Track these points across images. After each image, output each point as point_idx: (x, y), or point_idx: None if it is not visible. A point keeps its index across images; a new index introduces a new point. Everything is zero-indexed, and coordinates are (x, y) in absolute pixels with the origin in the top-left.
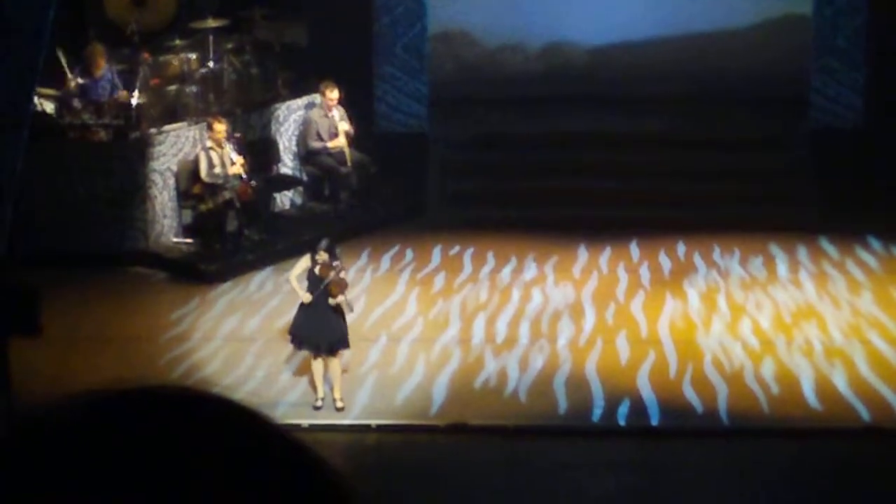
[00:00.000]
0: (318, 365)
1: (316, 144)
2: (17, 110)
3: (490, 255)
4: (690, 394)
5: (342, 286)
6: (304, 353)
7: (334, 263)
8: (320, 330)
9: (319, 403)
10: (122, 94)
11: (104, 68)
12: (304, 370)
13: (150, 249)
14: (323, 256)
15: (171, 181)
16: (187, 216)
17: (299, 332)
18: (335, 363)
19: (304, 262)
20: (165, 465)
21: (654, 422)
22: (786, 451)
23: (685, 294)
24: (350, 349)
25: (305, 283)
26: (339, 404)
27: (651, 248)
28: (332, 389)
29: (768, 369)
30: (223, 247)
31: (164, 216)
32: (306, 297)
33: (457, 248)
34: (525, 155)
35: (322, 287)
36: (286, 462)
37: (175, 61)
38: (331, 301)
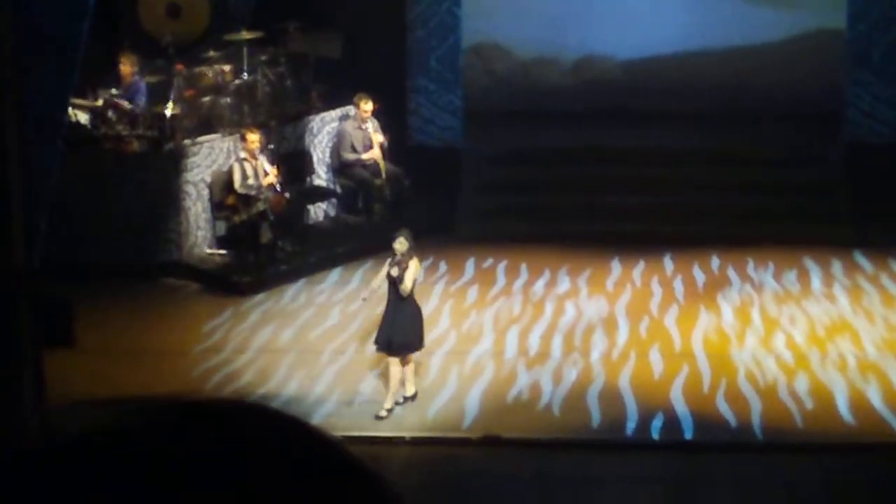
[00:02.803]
0: (393, 367)
1: (350, 156)
2: (53, 121)
3: (523, 268)
4: (724, 408)
5: (402, 267)
6: (339, 364)
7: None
8: (392, 331)
9: (384, 413)
10: (146, 110)
11: (133, 78)
12: (338, 382)
13: (184, 261)
14: (402, 245)
15: (205, 192)
16: (221, 227)
17: (379, 333)
18: (401, 367)
19: (384, 269)
20: (221, 476)
21: (688, 436)
22: (819, 466)
23: (719, 308)
24: (415, 351)
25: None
26: (400, 400)
27: (685, 262)
28: (401, 386)
29: (802, 384)
30: (256, 258)
31: (198, 227)
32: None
33: (490, 261)
34: (558, 168)
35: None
36: (339, 473)
37: (209, 73)
38: (402, 288)
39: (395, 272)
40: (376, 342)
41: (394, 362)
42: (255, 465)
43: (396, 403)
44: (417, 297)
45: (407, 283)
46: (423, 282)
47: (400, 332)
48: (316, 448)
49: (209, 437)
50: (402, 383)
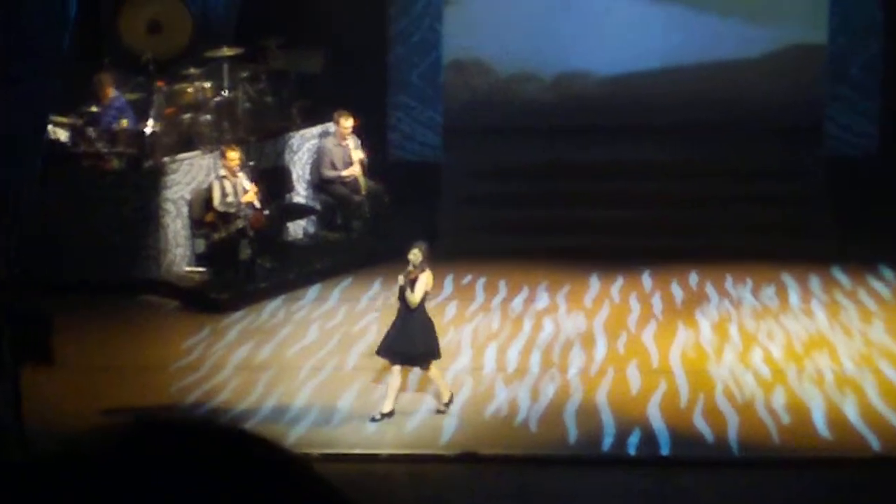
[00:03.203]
0: (394, 376)
1: (330, 173)
2: (32, 136)
3: (502, 285)
4: (701, 423)
5: (413, 279)
6: (317, 381)
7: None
8: (401, 342)
9: (378, 416)
10: (122, 122)
11: (112, 96)
12: (316, 398)
13: (163, 278)
14: (416, 257)
15: (185, 210)
16: (200, 245)
17: (385, 340)
18: (432, 373)
19: (400, 280)
20: (194, 494)
21: (665, 451)
22: (796, 481)
23: (697, 323)
24: (433, 362)
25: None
26: (442, 408)
27: (663, 278)
28: (436, 396)
29: (779, 399)
30: (236, 275)
31: (177, 245)
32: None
33: (469, 278)
34: (538, 184)
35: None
36: (304, 493)
37: (190, 90)
38: (410, 299)
39: (402, 281)
40: (378, 350)
41: (395, 368)
42: (222, 484)
43: (438, 411)
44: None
45: (416, 295)
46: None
47: (410, 342)
48: (285, 469)
49: (176, 456)
50: (437, 393)
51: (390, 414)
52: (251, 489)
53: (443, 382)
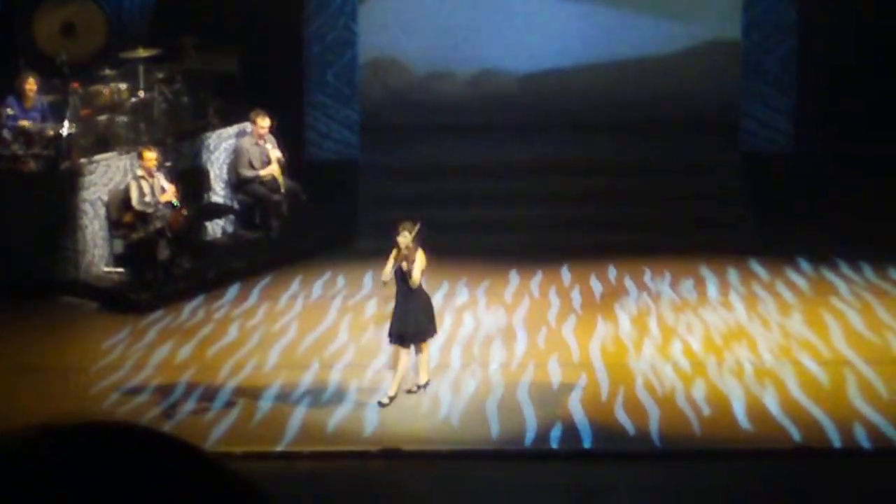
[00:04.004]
0: (403, 357)
1: (248, 173)
2: None
3: (422, 281)
4: (622, 416)
5: (409, 260)
6: (238, 380)
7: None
8: (404, 323)
9: (386, 401)
10: (49, 128)
11: (36, 98)
12: (237, 397)
13: (81, 279)
14: (406, 239)
15: (102, 211)
16: (118, 245)
17: (391, 327)
18: (402, 361)
19: (390, 262)
20: (105, 498)
21: (587, 445)
22: (717, 473)
23: (616, 317)
24: (430, 339)
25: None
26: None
27: (582, 272)
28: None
29: (699, 391)
30: (154, 276)
31: (95, 246)
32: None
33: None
34: (456, 181)
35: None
36: (221, 494)
37: (105, 91)
38: (412, 281)
39: (404, 266)
40: (389, 335)
41: (404, 352)
42: (136, 487)
43: (409, 391)
44: (318, 310)
45: (416, 276)
46: (320, 296)
47: (413, 322)
48: (202, 470)
49: (90, 458)
50: (416, 371)
51: (426, 385)
52: (166, 491)
53: (426, 365)
